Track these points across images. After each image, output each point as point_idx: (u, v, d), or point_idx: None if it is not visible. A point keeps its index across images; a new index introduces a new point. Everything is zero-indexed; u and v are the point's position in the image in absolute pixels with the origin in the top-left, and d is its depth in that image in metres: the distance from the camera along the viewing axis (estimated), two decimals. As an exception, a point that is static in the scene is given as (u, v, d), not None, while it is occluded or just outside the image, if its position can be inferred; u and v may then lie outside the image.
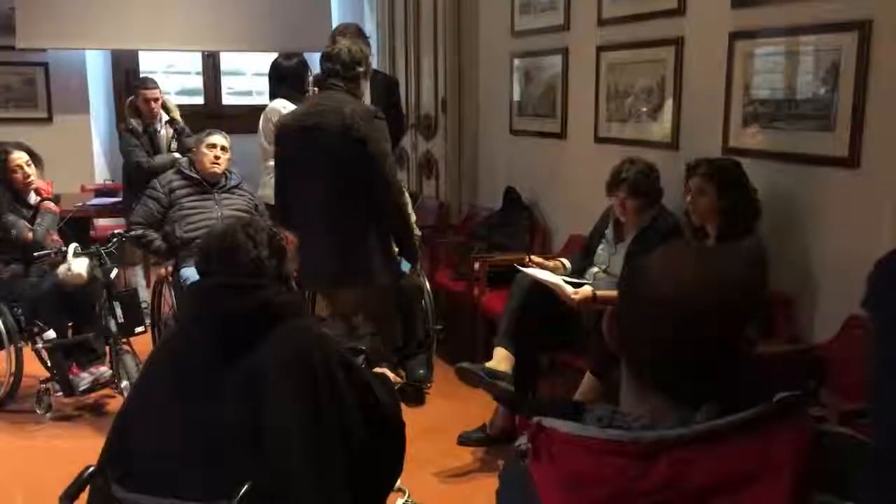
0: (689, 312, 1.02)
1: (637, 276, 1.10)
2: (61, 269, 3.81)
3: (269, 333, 1.81)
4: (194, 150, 4.32)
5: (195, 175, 4.26)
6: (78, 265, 3.77)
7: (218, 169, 4.26)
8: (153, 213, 4.20)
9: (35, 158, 4.17)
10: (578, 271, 3.61)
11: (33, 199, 4.16)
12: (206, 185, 4.27)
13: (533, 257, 3.61)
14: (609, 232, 3.55)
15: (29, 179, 4.09)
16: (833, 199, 2.98)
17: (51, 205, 4.18)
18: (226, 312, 1.82)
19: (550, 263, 3.60)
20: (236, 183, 4.37)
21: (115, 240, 3.99)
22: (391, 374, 2.35)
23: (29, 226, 4.02)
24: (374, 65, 5.19)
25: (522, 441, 1.04)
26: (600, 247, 3.58)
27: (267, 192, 4.60)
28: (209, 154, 4.24)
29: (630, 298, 1.10)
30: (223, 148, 4.29)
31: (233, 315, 1.81)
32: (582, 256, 3.67)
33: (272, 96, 4.71)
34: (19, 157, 4.06)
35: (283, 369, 1.79)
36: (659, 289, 1.04)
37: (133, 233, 4.13)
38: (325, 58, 3.46)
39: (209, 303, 1.87)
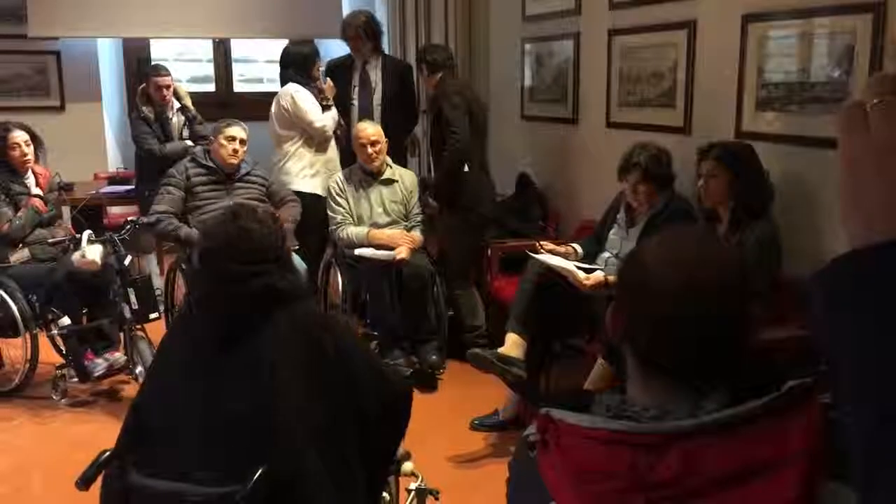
0: (690, 292, 1.01)
1: (636, 262, 1.09)
2: (75, 255, 3.84)
3: (272, 320, 1.82)
4: (213, 138, 4.31)
5: (211, 164, 4.26)
6: (92, 252, 3.80)
7: (235, 161, 4.25)
8: (177, 201, 4.17)
9: (36, 140, 4.19)
10: (590, 256, 3.60)
11: (31, 182, 4.18)
12: (222, 174, 4.27)
13: (544, 243, 3.60)
14: (621, 217, 3.53)
15: (25, 157, 4.11)
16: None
17: (37, 202, 4.14)
18: (229, 301, 1.82)
19: (562, 249, 3.60)
20: (247, 170, 4.36)
21: (128, 227, 4.01)
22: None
23: (9, 216, 4.02)
24: (386, 51, 5.19)
25: (531, 431, 1.03)
26: (612, 232, 3.57)
27: (284, 178, 4.60)
28: (227, 146, 4.21)
29: (631, 285, 1.09)
30: (242, 141, 4.26)
31: (235, 303, 1.82)
32: (594, 242, 3.66)
33: (281, 82, 4.73)
34: (19, 135, 4.10)
35: (292, 362, 1.79)
36: (659, 271, 1.04)
37: (146, 220, 4.13)
38: (444, 48, 4.59)
39: (212, 292, 1.88)
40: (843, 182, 0.61)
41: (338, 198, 4.34)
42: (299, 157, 4.62)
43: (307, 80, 4.62)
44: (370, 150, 4.25)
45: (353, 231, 4.27)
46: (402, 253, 4.11)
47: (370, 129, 4.30)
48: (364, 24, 4.77)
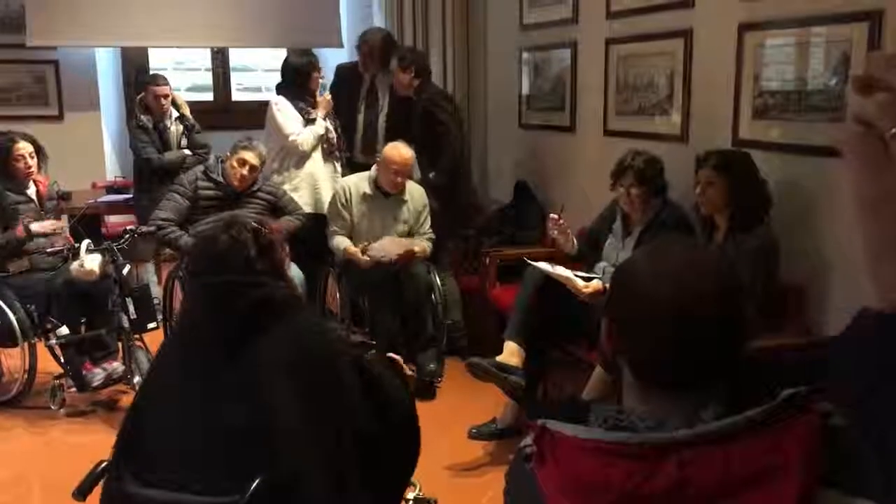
0: (683, 300, 1.01)
1: (627, 273, 1.09)
2: (74, 265, 3.84)
3: (268, 331, 1.82)
4: (229, 154, 4.26)
5: (220, 179, 4.22)
6: (90, 261, 3.79)
7: (240, 185, 4.20)
8: (181, 209, 4.15)
9: (39, 152, 4.19)
10: (585, 258, 3.62)
11: (32, 193, 4.18)
12: (229, 191, 4.21)
13: (553, 216, 3.58)
14: (617, 227, 3.54)
15: (30, 170, 4.12)
16: (844, 190, 2.97)
17: (22, 232, 4.01)
18: (225, 312, 1.82)
19: (567, 233, 3.59)
20: (258, 187, 4.30)
21: (126, 236, 4.01)
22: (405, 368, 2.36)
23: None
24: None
25: (527, 442, 1.03)
26: (608, 241, 3.58)
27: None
28: (237, 169, 4.16)
29: (624, 295, 1.09)
30: (252, 167, 4.18)
31: (231, 314, 1.82)
32: (587, 247, 3.67)
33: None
34: (24, 147, 4.10)
35: (285, 369, 1.79)
36: (651, 280, 1.04)
37: (145, 229, 4.12)
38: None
39: (209, 303, 1.88)
40: (869, 229, 0.48)
41: (342, 210, 4.25)
42: (279, 172, 4.60)
43: (298, 93, 4.60)
44: (398, 178, 4.17)
45: (337, 241, 4.24)
46: (416, 246, 4.13)
47: (407, 160, 4.17)
48: (379, 45, 4.74)
